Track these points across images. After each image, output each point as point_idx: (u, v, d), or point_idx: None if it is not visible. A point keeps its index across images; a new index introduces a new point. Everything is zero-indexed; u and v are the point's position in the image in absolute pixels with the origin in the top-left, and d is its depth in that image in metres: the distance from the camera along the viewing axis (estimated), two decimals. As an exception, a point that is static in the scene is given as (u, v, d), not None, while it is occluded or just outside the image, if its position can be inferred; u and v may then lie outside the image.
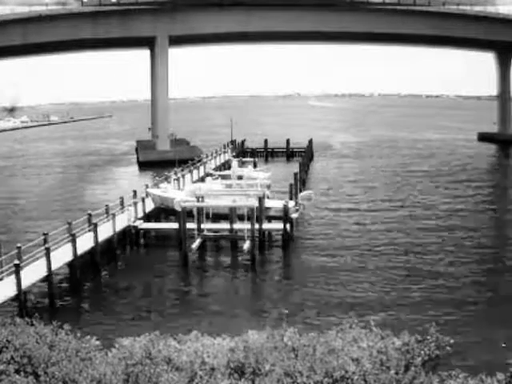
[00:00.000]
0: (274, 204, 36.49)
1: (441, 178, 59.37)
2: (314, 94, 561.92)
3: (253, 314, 23.50)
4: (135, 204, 35.67)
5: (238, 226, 33.64)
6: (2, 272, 24.04)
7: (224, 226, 34.90)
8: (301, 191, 41.14)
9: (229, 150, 71.07)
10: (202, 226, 33.73)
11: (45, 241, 26.73)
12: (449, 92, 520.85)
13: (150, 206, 38.06)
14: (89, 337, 10.00)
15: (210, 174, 49.80)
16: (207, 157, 60.49)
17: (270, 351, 8.65)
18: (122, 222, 33.64)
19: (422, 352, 8.51)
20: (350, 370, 7.92)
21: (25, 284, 23.15)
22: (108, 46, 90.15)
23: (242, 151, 74.61)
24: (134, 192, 36.95)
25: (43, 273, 24.65)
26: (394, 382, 7.79)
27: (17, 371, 8.56)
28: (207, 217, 34.83)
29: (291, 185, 39.53)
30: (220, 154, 65.55)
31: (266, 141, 78.77)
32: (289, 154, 77.39)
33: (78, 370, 8.37)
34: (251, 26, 75.87)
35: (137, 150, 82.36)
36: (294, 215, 35.47)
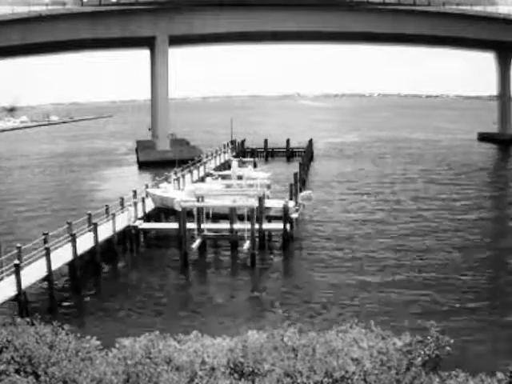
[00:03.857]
0: (274, 204, 36.45)
1: (441, 178, 59.34)
2: (314, 94, 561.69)
3: (253, 314, 23.48)
4: (135, 204, 35.65)
5: (238, 226, 33.60)
6: (2, 272, 24.02)
7: (224, 226, 34.84)
8: (301, 191, 41.11)
9: (229, 150, 71.05)
10: (202, 226, 33.70)
11: (45, 241, 26.68)
12: (449, 92, 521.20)
13: (150, 206, 38.06)
14: (89, 337, 9.99)
15: (210, 174, 49.80)
16: (207, 157, 60.47)
17: (270, 351, 8.65)
18: (122, 221, 33.63)
19: (422, 352, 8.50)
20: (350, 370, 7.91)
21: (25, 284, 23.11)
22: (108, 46, 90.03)
23: (242, 151, 74.59)
24: (134, 192, 36.94)
25: (43, 273, 24.63)
26: (395, 383, 7.78)
27: (17, 371, 8.56)
28: (207, 217, 34.79)
29: (291, 185, 39.51)
30: (220, 154, 65.53)
31: (265, 141, 78.68)
32: (289, 154, 77.35)
33: (77, 369, 8.37)
34: (251, 26, 75.83)
35: (137, 150, 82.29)
36: (294, 215, 35.46)
